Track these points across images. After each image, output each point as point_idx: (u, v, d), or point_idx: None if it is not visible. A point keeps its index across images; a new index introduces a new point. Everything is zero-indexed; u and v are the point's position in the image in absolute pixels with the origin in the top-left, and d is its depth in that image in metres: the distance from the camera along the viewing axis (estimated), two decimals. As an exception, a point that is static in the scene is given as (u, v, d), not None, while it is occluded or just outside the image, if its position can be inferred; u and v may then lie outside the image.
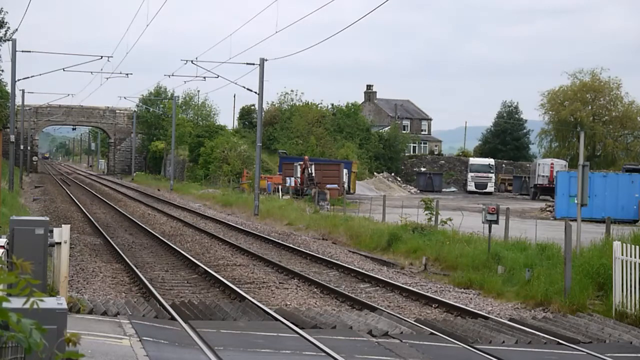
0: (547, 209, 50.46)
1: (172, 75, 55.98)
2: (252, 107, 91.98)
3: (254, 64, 45.33)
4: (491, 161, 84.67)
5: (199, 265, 22.21)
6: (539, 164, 73.70)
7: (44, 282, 12.42)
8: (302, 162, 57.27)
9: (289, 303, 17.79)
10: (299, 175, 57.40)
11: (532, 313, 17.47)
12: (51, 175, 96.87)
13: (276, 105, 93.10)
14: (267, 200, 48.02)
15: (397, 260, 25.96)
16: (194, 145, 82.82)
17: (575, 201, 21.98)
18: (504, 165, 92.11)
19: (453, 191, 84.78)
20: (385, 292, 19.84)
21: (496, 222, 22.90)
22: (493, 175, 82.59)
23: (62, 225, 14.28)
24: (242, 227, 35.30)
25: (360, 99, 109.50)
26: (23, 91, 70.92)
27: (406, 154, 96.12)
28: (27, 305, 3.86)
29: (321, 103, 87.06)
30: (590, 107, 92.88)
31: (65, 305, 5.39)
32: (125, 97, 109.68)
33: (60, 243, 13.58)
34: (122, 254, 23.91)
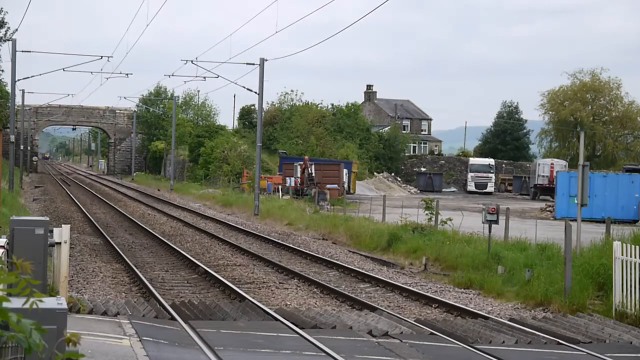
0: (547, 209, 50.46)
1: (172, 75, 56.00)
2: (252, 107, 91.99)
3: (254, 64, 45.35)
4: (491, 161, 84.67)
5: (199, 265, 22.21)
6: (539, 164, 73.70)
7: (44, 282, 12.42)
8: (302, 162, 57.27)
9: (289, 303, 17.79)
10: (299, 175, 57.40)
11: (532, 313, 17.47)
12: (51, 175, 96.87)
13: (276, 105, 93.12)
14: (267, 200, 48.03)
15: (397, 260, 25.96)
16: (194, 145, 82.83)
17: (575, 201, 21.97)
18: (504, 165, 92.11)
19: (453, 191, 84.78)
20: (385, 292, 19.84)
21: (496, 222, 22.90)
22: (493, 175, 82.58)
23: (62, 225, 14.28)
24: (242, 227, 35.30)
25: (360, 99, 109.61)
26: (23, 91, 70.95)
27: (406, 154, 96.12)
28: (27, 305, 3.86)
29: (321, 103, 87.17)
30: (590, 107, 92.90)
31: (65, 305, 5.39)
32: (125, 97, 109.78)
33: (60, 243, 13.58)
34: (122, 254, 23.91)
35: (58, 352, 4.16)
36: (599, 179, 45.07)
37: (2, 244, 12.25)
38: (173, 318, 14.54)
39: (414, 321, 15.42)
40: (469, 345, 13.35)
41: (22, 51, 48.50)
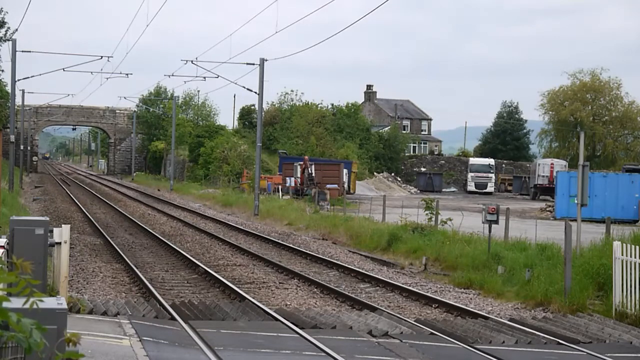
0: (547, 209, 50.45)
1: (172, 75, 55.98)
2: (252, 107, 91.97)
3: (254, 64, 45.34)
4: (491, 161, 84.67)
5: (199, 265, 22.21)
6: (539, 164, 73.70)
7: (44, 282, 12.42)
8: (302, 162, 57.26)
9: (289, 303, 17.79)
10: (299, 175, 57.39)
11: (532, 313, 17.47)
12: (51, 175, 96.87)
13: (276, 105, 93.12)
14: (267, 200, 48.02)
15: (397, 260, 25.96)
16: (194, 145, 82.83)
17: (575, 201, 21.97)
18: (504, 165, 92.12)
19: (453, 191, 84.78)
20: (385, 292, 19.84)
21: (496, 222, 22.90)
22: (493, 175, 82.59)
23: (62, 225, 14.28)
24: (242, 227, 35.30)
25: (360, 99, 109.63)
26: (23, 91, 70.95)
27: (406, 154, 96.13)
28: (27, 305, 3.86)
29: (321, 103, 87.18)
30: (590, 107, 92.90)
31: (65, 305, 5.39)
32: (125, 97, 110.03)
33: (60, 243, 13.58)
34: (122, 254, 23.91)
35: (58, 352, 4.16)
36: (599, 179, 45.07)
37: (2, 244, 12.24)
38: (173, 318, 14.54)
39: (414, 321, 15.42)
40: (469, 345, 13.35)
41: (22, 51, 48.54)
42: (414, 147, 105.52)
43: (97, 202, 51.34)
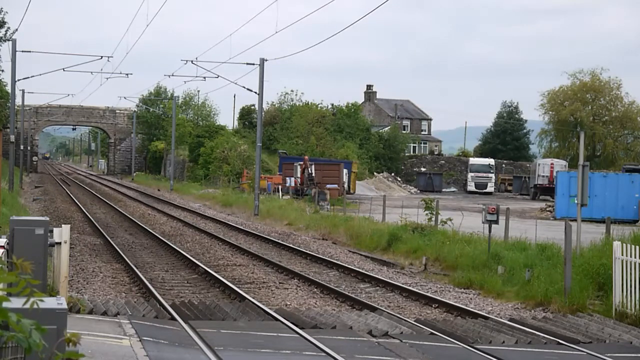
0: (547, 209, 50.45)
1: (172, 75, 56.01)
2: (252, 107, 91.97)
3: (254, 64, 45.35)
4: (491, 161, 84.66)
5: (199, 265, 22.21)
6: (539, 164, 73.69)
7: (44, 282, 12.41)
8: (302, 162, 57.25)
9: (289, 303, 17.79)
10: (299, 175, 57.38)
11: (532, 313, 17.47)
12: (51, 176, 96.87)
13: (276, 106, 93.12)
14: (267, 200, 48.02)
15: (397, 260, 25.96)
16: (194, 145, 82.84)
17: (575, 201, 21.97)
18: (504, 165, 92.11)
19: (453, 191, 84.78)
20: (385, 292, 19.84)
21: (496, 222, 22.90)
22: (493, 175, 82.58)
23: (62, 225, 14.28)
24: (242, 227, 35.31)
25: (360, 99, 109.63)
26: (23, 91, 70.97)
27: (406, 154, 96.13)
28: (27, 305, 3.86)
29: (321, 103, 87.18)
30: (590, 107, 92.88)
31: (65, 305, 5.39)
32: (125, 97, 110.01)
33: (60, 243, 13.58)
34: (122, 254, 23.91)
35: (58, 352, 4.16)
36: (599, 179, 45.07)
37: (2, 244, 12.24)
38: (173, 318, 14.54)
39: (414, 321, 15.42)
40: (469, 345, 13.35)
41: (22, 51, 48.55)
42: (414, 147, 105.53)
43: (97, 202, 51.34)
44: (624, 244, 16.90)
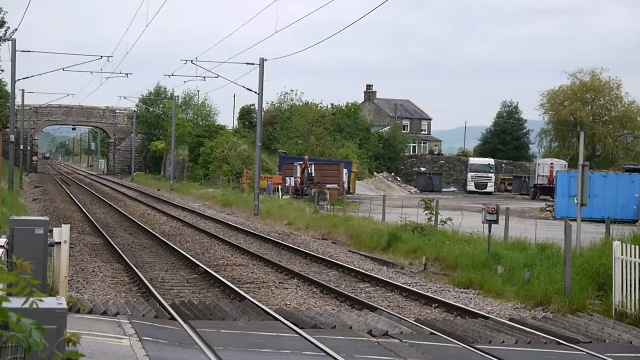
0: (547, 209, 50.45)
1: (172, 75, 56.00)
2: (252, 107, 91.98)
3: (254, 64, 45.35)
4: (491, 161, 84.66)
5: (199, 265, 22.21)
6: (539, 164, 73.69)
7: (44, 282, 12.41)
8: (302, 162, 57.25)
9: (289, 303, 17.79)
10: (299, 175, 57.38)
11: (532, 313, 17.47)
12: (51, 175, 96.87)
13: (276, 105, 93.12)
14: (267, 200, 48.02)
15: (397, 260, 25.96)
16: (194, 145, 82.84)
17: (575, 201, 21.97)
18: (504, 165, 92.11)
19: (453, 191, 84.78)
20: (385, 292, 19.84)
21: (496, 222, 22.89)
22: (493, 175, 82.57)
23: (62, 225, 14.28)
24: (242, 227, 35.30)
25: (360, 99, 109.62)
26: (23, 91, 70.97)
27: (406, 154, 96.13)
28: (27, 305, 3.86)
29: (321, 103, 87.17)
30: (590, 107, 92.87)
31: (65, 305, 5.39)
32: (125, 97, 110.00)
33: (60, 243, 13.58)
34: (122, 254, 23.91)
35: (58, 352, 4.16)
36: (599, 179, 45.06)
37: (2, 244, 12.24)
38: (173, 318, 14.54)
39: (414, 321, 15.42)
40: (469, 345, 13.35)
41: (22, 51, 48.55)
42: (414, 147, 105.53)
43: (97, 202, 51.34)
44: (624, 244, 16.91)
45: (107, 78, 59.41)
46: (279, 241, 29.83)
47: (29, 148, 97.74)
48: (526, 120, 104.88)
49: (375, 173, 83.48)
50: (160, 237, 29.36)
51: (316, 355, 11.93)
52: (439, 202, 32.94)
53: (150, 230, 31.98)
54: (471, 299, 19.29)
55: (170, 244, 27.17)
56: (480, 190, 79.93)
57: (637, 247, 16.38)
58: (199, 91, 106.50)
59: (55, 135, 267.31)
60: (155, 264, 23.52)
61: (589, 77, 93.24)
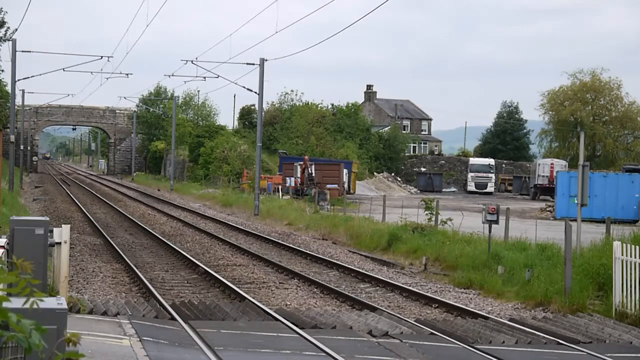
0: (547, 209, 50.45)
1: (172, 75, 56.01)
2: (252, 107, 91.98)
3: (254, 64, 45.35)
4: (491, 161, 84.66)
5: (199, 265, 22.21)
6: (539, 164, 73.70)
7: (44, 282, 12.41)
8: (302, 162, 57.25)
9: (289, 303, 17.79)
10: (299, 175, 57.38)
11: (532, 313, 17.47)
12: (51, 176, 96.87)
13: (276, 106, 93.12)
14: (267, 200, 48.02)
15: (397, 260, 25.96)
16: (194, 145, 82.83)
17: (575, 201, 21.97)
18: (504, 165, 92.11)
19: (453, 191, 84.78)
20: (386, 292, 19.84)
21: (496, 222, 22.89)
22: (493, 175, 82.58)
23: (62, 225, 14.28)
24: (242, 227, 35.30)
25: (360, 99, 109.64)
26: (23, 91, 70.97)
27: (406, 154, 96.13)
28: (27, 305, 3.86)
29: (321, 103, 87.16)
30: (590, 107, 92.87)
31: (65, 305, 5.39)
32: (125, 97, 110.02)
33: (60, 243, 13.58)
34: (122, 254, 23.91)
35: (58, 352, 4.16)
36: (599, 179, 45.06)
37: (2, 244, 12.24)
38: (173, 318, 14.54)
39: (414, 321, 15.42)
40: (469, 345, 13.35)
41: (22, 51, 48.55)
42: (414, 147, 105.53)
43: (97, 202, 51.34)
44: (624, 244, 16.90)
45: (107, 78, 59.46)
46: (279, 241, 29.83)
47: (29, 148, 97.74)
48: (526, 120, 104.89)
49: (375, 173, 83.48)
50: (160, 237, 29.36)
51: (316, 355, 11.93)
52: (439, 202, 32.94)
53: (150, 230, 31.98)
54: (471, 299, 19.29)
55: (170, 244, 27.17)
56: (480, 190, 79.93)
57: (637, 247, 16.38)
58: (199, 91, 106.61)
59: (55, 135, 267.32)
60: (155, 264, 23.52)
61: (589, 77, 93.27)
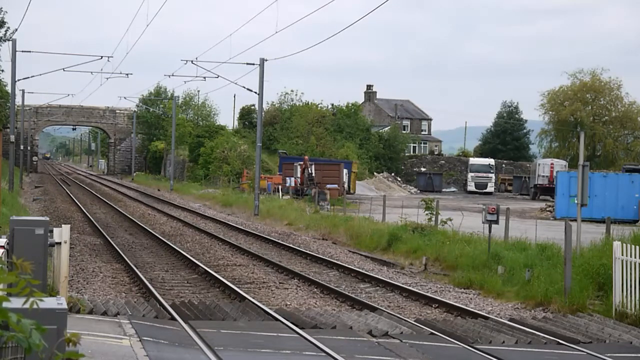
0: (547, 209, 50.45)
1: (172, 75, 56.00)
2: (252, 107, 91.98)
3: (254, 64, 45.35)
4: (491, 161, 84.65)
5: (199, 265, 22.21)
6: (539, 164, 73.70)
7: (44, 282, 12.41)
8: (302, 162, 57.26)
9: (289, 303, 17.79)
10: (299, 175, 57.38)
11: (532, 313, 17.47)
12: (51, 176, 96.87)
13: (276, 106, 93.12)
14: (267, 200, 48.02)
15: (397, 260, 25.96)
16: (194, 146, 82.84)
17: (575, 201, 21.97)
18: (504, 165, 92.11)
19: (453, 191, 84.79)
20: (386, 292, 19.84)
21: (496, 222, 22.89)
22: (493, 175, 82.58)
23: (62, 225, 14.27)
24: (242, 227, 35.30)
25: (360, 99, 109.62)
26: (23, 91, 70.96)
27: (406, 154, 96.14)
28: (27, 305, 3.86)
29: (321, 103, 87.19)
30: (590, 107, 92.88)
31: (65, 305, 5.39)
32: (125, 97, 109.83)
33: (60, 243, 13.58)
34: (122, 254, 23.91)
35: (58, 352, 4.16)
36: (599, 179, 45.06)
37: (2, 244, 12.24)
38: (173, 318, 14.54)
39: (414, 321, 15.42)
40: (469, 345, 13.35)
41: (22, 51, 48.56)
42: (414, 147, 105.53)
43: (97, 202, 51.34)
44: (624, 244, 16.91)
45: (107, 78, 59.45)
46: (279, 241, 29.83)
47: (29, 148, 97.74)
48: (526, 120, 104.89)
49: (375, 173, 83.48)
50: (160, 237, 29.36)
51: (316, 355, 11.93)
52: (439, 202, 32.94)
53: (150, 230, 31.98)
54: (471, 299, 19.28)
55: (170, 244, 27.17)
56: (480, 190, 79.93)
57: (637, 247, 16.39)
58: (199, 91, 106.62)
59: (55, 135, 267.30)
60: (155, 264, 23.52)
61: (589, 77, 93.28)
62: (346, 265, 23.57)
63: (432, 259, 24.64)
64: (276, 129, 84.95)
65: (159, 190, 68.82)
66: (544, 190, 69.21)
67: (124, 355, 10.73)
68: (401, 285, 20.33)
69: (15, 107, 54.04)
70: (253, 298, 17.34)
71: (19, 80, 50.54)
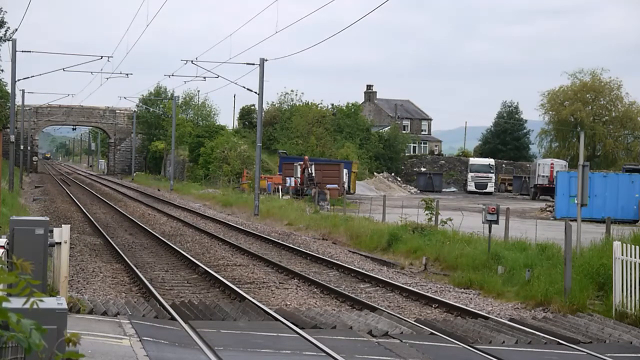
0: (547, 209, 50.45)
1: (172, 75, 56.01)
2: (252, 107, 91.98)
3: (254, 64, 45.34)
4: (491, 161, 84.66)
5: (199, 265, 22.21)
6: (539, 164, 73.70)
7: (44, 282, 12.41)
8: (302, 162, 57.25)
9: (289, 303, 17.79)
10: (299, 175, 57.38)
11: (532, 313, 17.47)
12: (51, 176, 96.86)
13: (276, 106, 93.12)
14: (267, 200, 48.02)
15: (397, 260, 25.95)
16: (194, 146, 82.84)
17: (575, 201, 21.97)
18: (504, 165, 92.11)
19: (453, 191, 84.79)
20: (386, 292, 19.84)
21: (496, 222, 22.89)
22: (493, 176, 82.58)
23: (62, 225, 14.27)
24: (242, 227, 35.30)
25: (360, 99, 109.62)
26: (23, 91, 70.98)
27: (406, 154, 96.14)
28: (27, 305, 3.86)
29: (321, 103, 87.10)
30: (590, 108, 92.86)
31: (65, 305, 5.38)
32: (125, 97, 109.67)
33: (60, 243, 13.58)
34: (122, 254, 23.91)
35: (58, 352, 4.16)
36: (599, 179, 45.06)
37: (2, 244, 12.24)
38: (173, 318, 14.55)
39: (414, 321, 15.42)
40: (469, 345, 13.35)
41: (22, 51, 48.53)
42: (414, 147, 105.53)
43: (97, 202, 51.33)
44: (624, 244, 16.91)
45: (107, 78, 59.44)
46: (279, 241, 29.83)
47: (29, 148, 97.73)
48: (526, 120, 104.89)
49: (375, 173, 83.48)
50: (160, 237, 29.36)
51: (316, 355, 11.93)
52: (439, 202, 32.94)
53: (150, 230, 31.98)
54: (471, 299, 19.28)
55: (170, 244, 27.17)
56: (480, 190, 79.93)
57: (637, 247, 16.39)
58: (199, 91, 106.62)
59: (55, 135, 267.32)
60: (155, 264, 23.52)
61: (589, 77, 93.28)
62: (346, 265, 23.57)
63: (432, 259, 24.64)
64: (276, 129, 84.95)
65: (159, 190, 68.82)
66: (544, 190, 69.21)
67: (124, 355, 10.74)
68: (401, 285, 20.33)
69: (15, 107, 54.04)
70: (253, 298, 17.34)
71: (19, 80, 50.56)
